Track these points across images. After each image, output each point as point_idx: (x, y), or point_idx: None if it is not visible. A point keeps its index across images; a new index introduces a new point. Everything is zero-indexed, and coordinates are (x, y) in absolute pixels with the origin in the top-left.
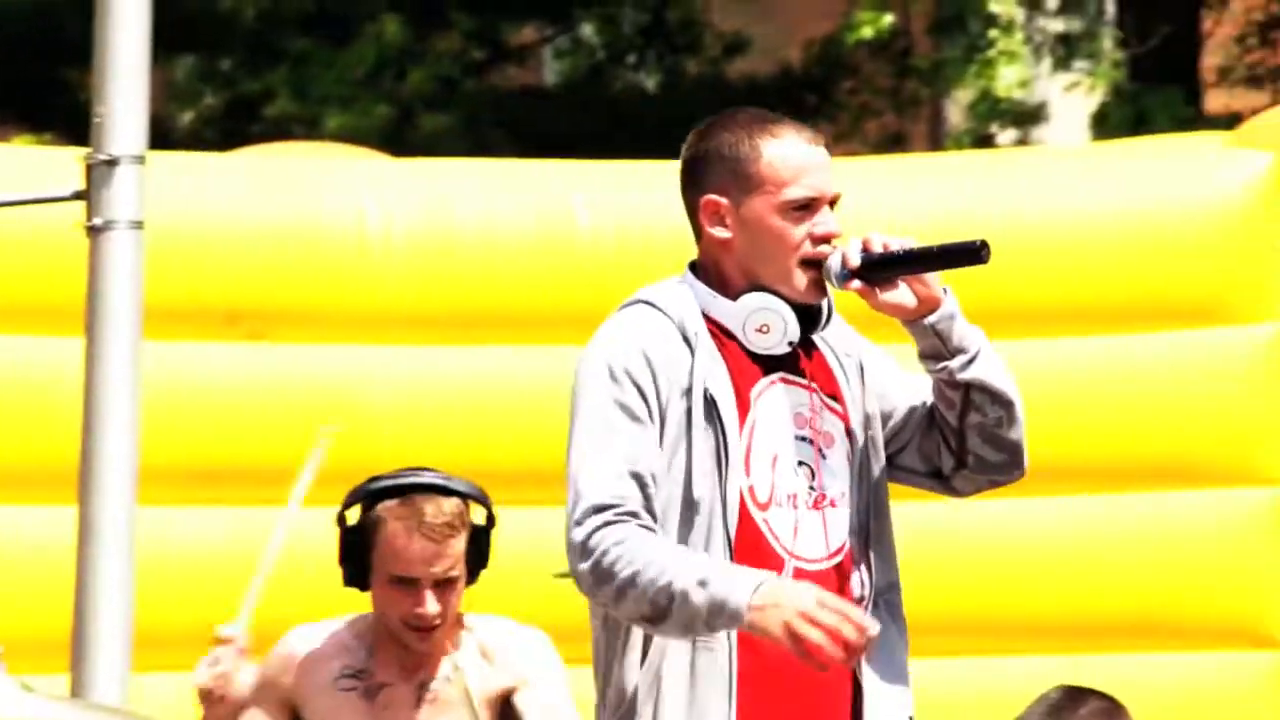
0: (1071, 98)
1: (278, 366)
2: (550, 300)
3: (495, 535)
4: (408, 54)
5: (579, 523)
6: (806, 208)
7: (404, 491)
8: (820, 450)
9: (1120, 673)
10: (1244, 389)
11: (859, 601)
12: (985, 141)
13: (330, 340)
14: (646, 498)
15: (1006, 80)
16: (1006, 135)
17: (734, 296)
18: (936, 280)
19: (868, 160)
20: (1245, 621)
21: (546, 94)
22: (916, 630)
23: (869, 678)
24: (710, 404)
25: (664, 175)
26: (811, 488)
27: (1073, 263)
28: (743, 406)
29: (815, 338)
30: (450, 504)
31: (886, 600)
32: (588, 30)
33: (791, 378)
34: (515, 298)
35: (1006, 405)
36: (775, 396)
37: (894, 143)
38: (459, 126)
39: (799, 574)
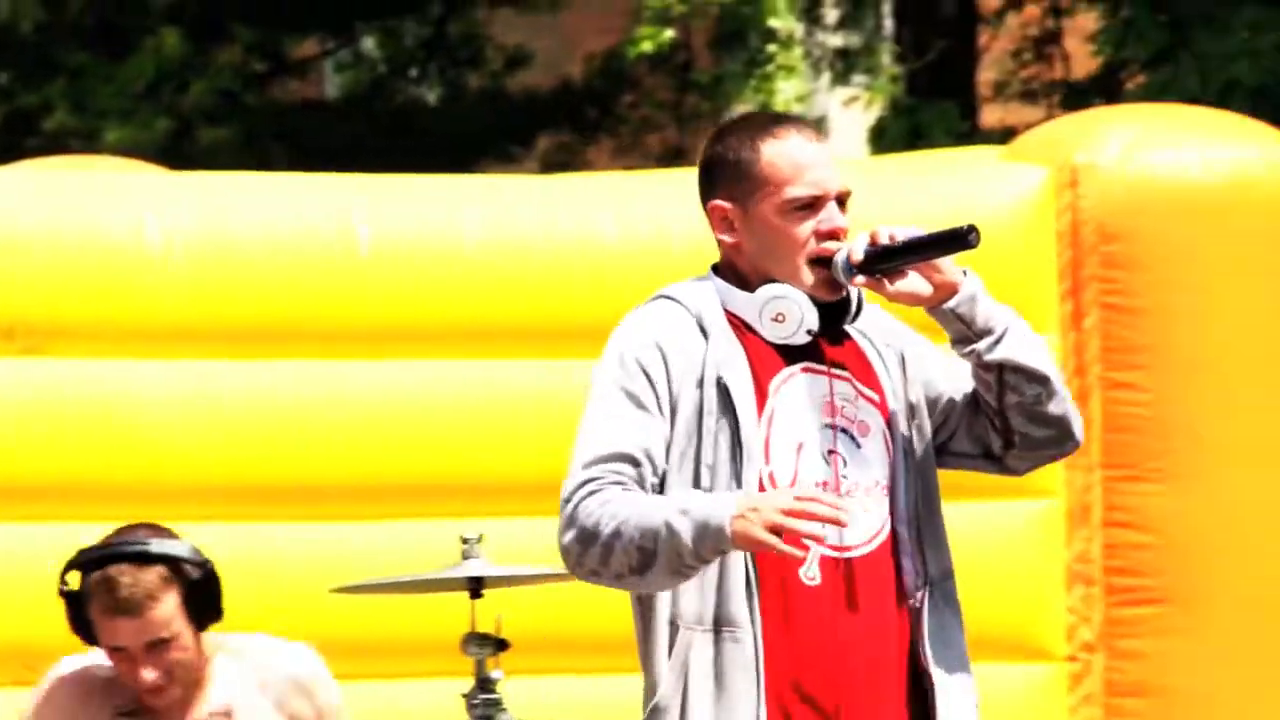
0: (850, 112)
1: (54, 381)
2: (330, 314)
3: (222, 579)
4: (188, 67)
5: (567, 500)
6: (810, 206)
7: (104, 562)
8: (853, 438)
9: None
10: None
11: (911, 591)
12: None
13: (108, 355)
14: (640, 476)
15: (785, 94)
16: None
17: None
18: (952, 265)
19: (647, 174)
20: (1022, 633)
21: (327, 107)
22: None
23: (935, 669)
24: (724, 392)
25: (444, 188)
26: (845, 475)
27: None
28: (761, 395)
29: (851, 328)
30: (149, 574)
31: (942, 589)
32: (369, 44)
33: (819, 367)
34: (295, 311)
35: (1042, 381)
36: (799, 385)
37: (675, 156)
38: (239, 140)
39: (827, 561)
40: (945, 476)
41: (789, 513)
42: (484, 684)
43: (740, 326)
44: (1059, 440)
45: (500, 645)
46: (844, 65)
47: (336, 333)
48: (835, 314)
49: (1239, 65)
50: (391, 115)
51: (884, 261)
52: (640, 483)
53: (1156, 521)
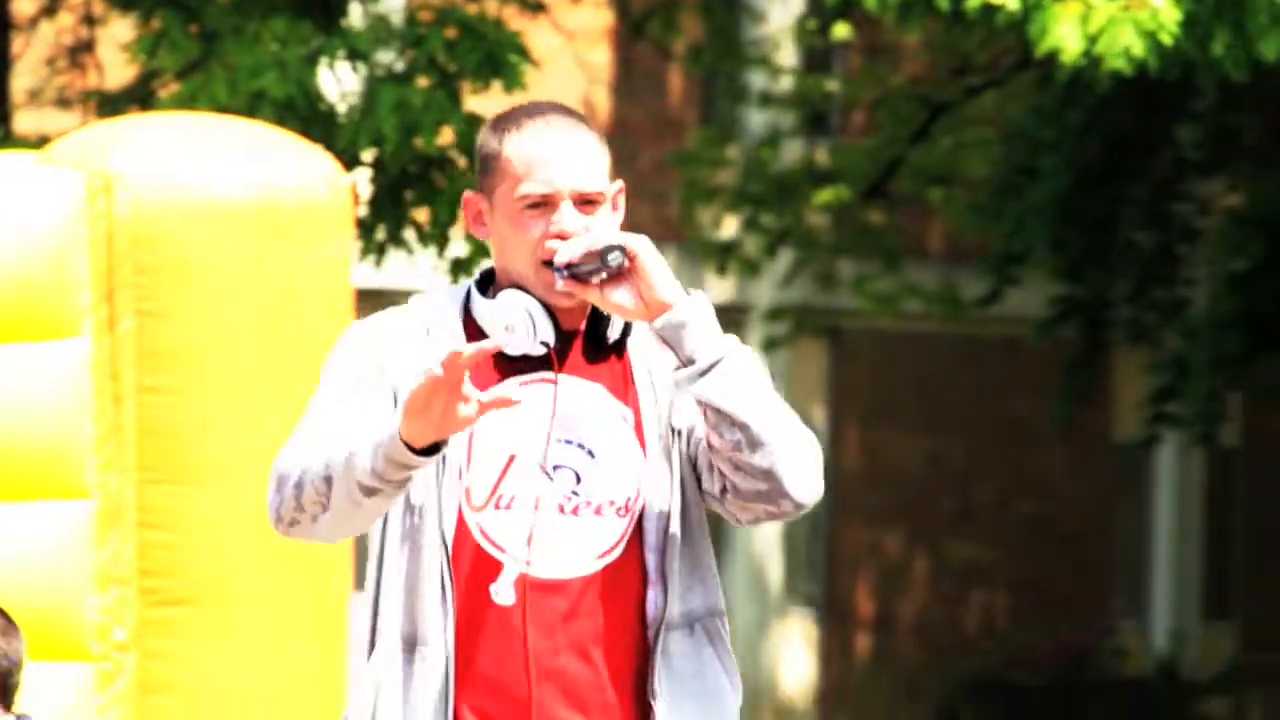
0: None
1: None
2: None
3: None
4: None
5: (269, 499)
6: (542, 205)
7: None
8: (590, 454)
9: None
10: (57, 403)
11: (653, 624)
12: None
13: None
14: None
15: None
16: None
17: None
18: (669, 284)
19: None
20: (55, 633)
21: None
22: None
23: (663, 706)
24: None
25: None
26: (575, 493)
27: None
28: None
29: (630, 344)
30: None
31: (705, 626)
32: None
33: (559, 379)
34: None
35: (742, 428)
36: (530, 395)
37: None
38: None
39: (526, 581)
40: None
41: (435, 386)
42: None
43: (478, 336)
44: (768, 496)
45: None
46: None
47: None
48: (597, 324)
49: (267, 77)
50: None
51: (587, 266)
52: None
53: (184, 523)
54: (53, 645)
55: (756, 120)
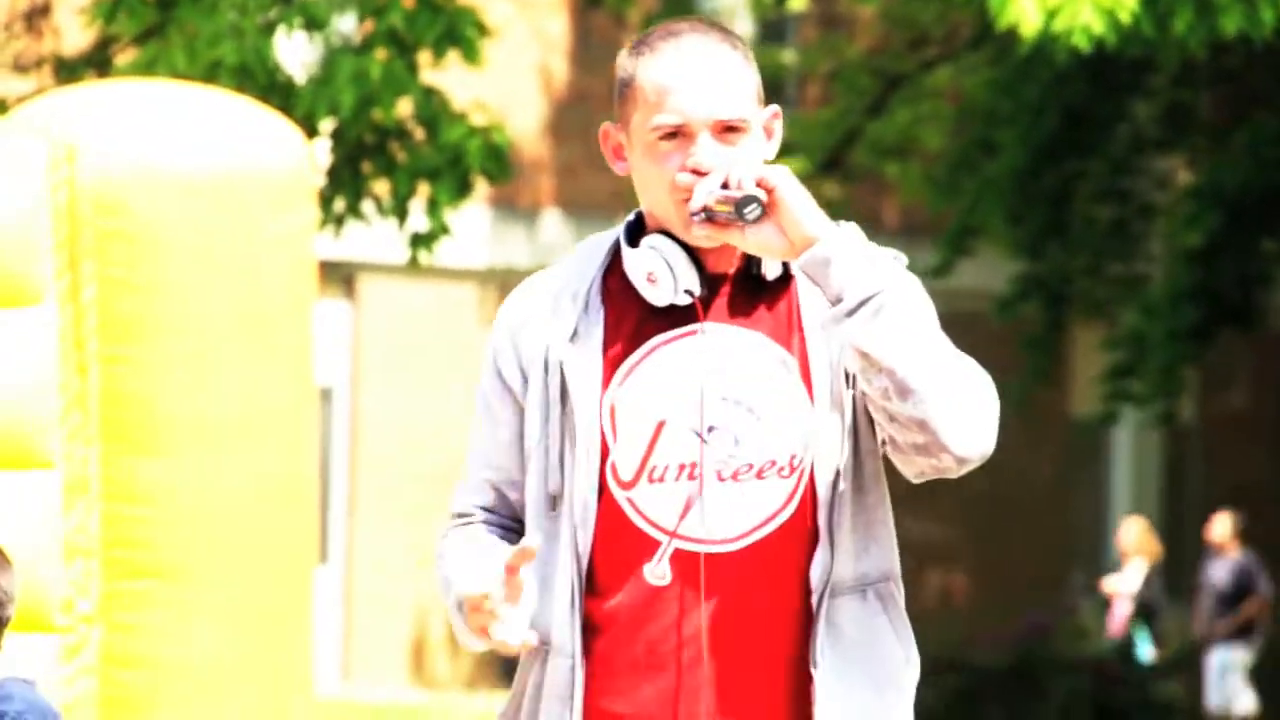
0: None
1: None
2: None
3: None
4: None
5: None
6: (675, 136)
7: None
8: (750, 410)
9: None
10: (21, 372)
11: (818, 589)
12: None
13: None
14: (499, 498)
15: None
16: None
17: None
18: (812, 218)
19: None
20: (28, 605)
21: None
22: None
23: (827, 676)
24: (563, 378)
25: None
26: (732, 455)
27: None
28: (610, 372)
29: (797, 280)
30: None
31: (878, 591)
32: None
33: (710, 329)
34: None
35: (889, 374)
36: (678, 353)
37: None
38: None
39: (682, 556)
40: None
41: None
42: None
43: (620, 289)
44: (926, 449)
45: None
46: None
47: None
48: (751, 263)
49: (225, 45)
50: None
51: (723, 212)
52: (497, 508)
53: (151, 495)
54: (18, 616)
55: None
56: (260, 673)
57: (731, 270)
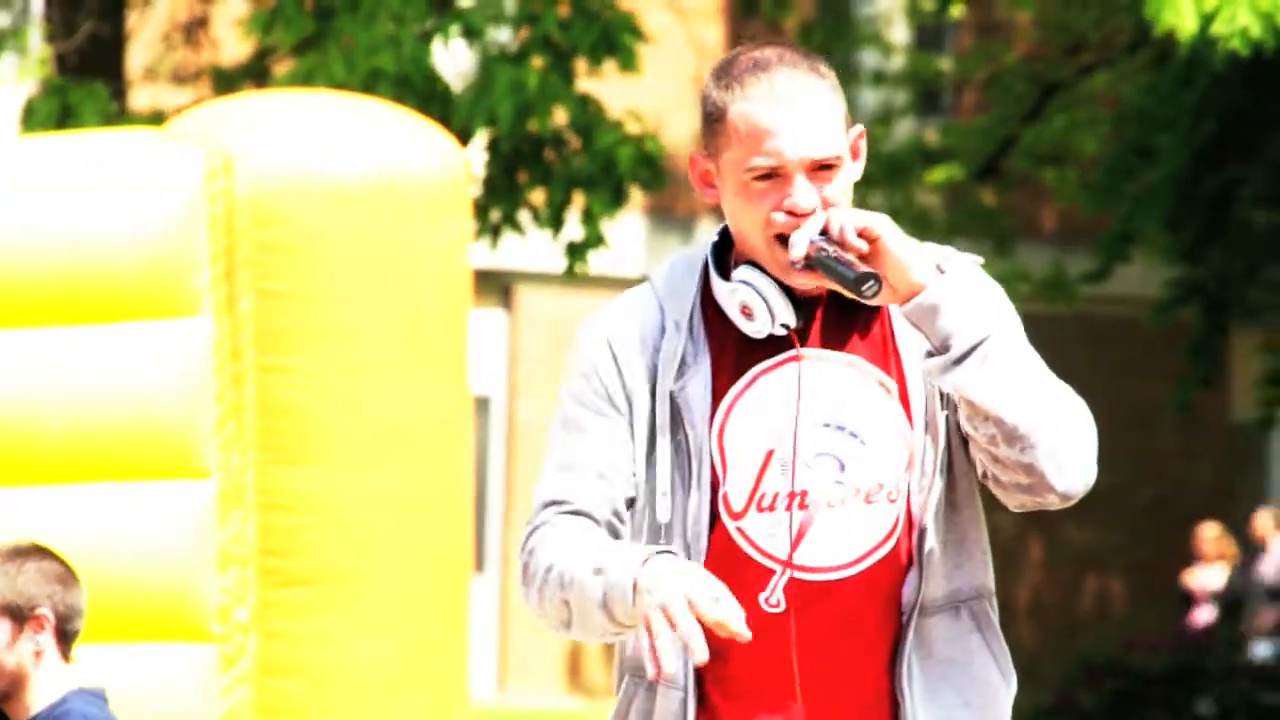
0: None
1: None
2: None
3: None
4: None
5: (523, 547)
6: (770, 176)
7: None
8: (853, 435)
9: None
10: (178, 382)
11: (907, 607)
12: None
13: None
14: (601, 494)
15: None
16: None
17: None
18: (919, 264)
19: None
20: (176, 613)
21: None
22: None
23: (914, 695)
24: (674, 407)
25: None
26: (840, 481)
27: (23, 254)
28: (716, 402)
29: (890, 309)
30: None
31: (971, 608)
32: None
33: (807, 357)
34: None
35: (997, 423)
36: (779, 381)
37: None
38: None
39: (794, 584)
40: (111, 453)
41: (668, 618)
42: None
43: (716, 316)
44: (1030, 489)
45: None
46: None
47: None
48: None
49: (383, 54)
50: None
51: (839, 276)
52: (601, 502)
53: (307, 504)
54: (174, 626)
55: (868, 98)
56: (416, 680)
57: (824, 292)
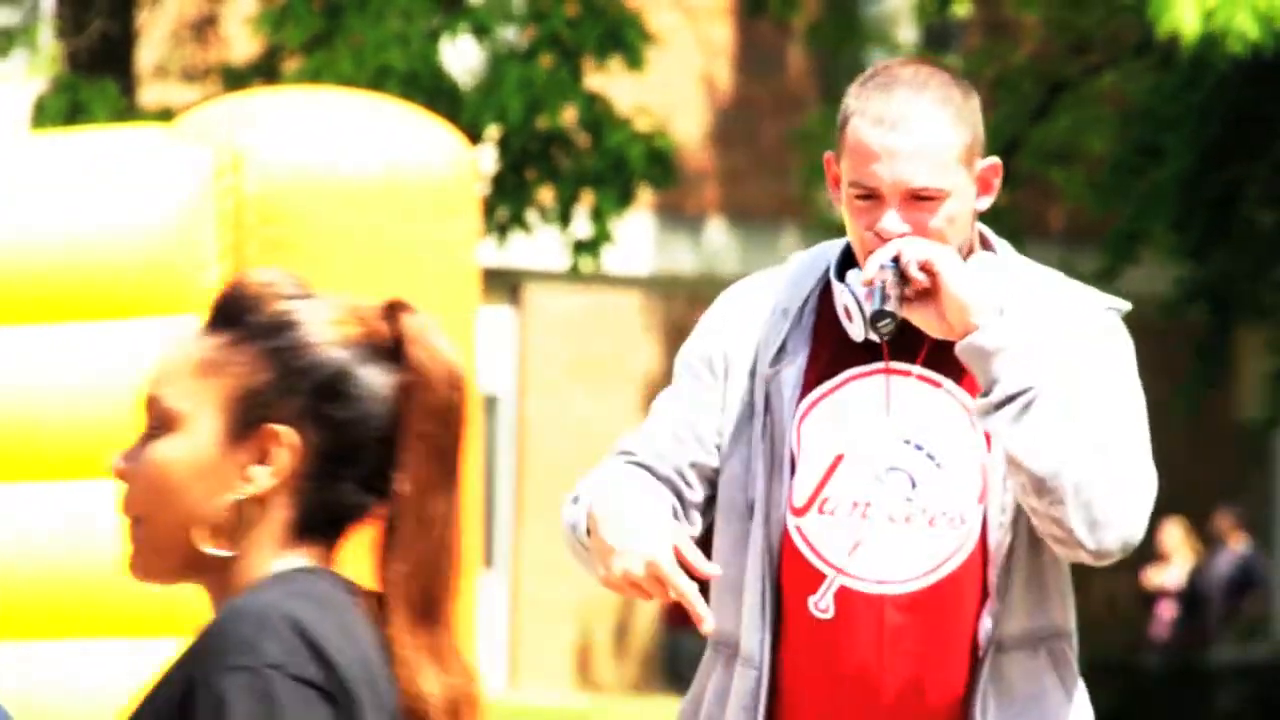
0: (4, 86)
1: None
2: None
3: None
4: None
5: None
6: (869, 197)
7: None
8: (931, 457)
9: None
10: None
11: (985, 643)
12: None
13: None
14: (671, 451)
15: None
16: None
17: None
18: (973, 303)
19: None
20: (184, 606)
21: None
22: None
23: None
24: (767, 391)
25: None
26: (909, 499)
27: (30, 251)
28: (804, 394)
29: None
30: None
31: (1050, 648)
32: None
33: (898, 371)
34: None
35: (1027, 473)
36: (867, 390)
37: None
38: None
39: (846, 593)
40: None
41: (615, 578)
42: None
43: (828, 311)
44: (1062, 542)
45: None
46: (3, 42)
47: None
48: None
49: (392, 52)
50: None
51: (880, 285)
52: (665, 458)
53: None
54: (174, 622)
55: None
56: None
57: None
